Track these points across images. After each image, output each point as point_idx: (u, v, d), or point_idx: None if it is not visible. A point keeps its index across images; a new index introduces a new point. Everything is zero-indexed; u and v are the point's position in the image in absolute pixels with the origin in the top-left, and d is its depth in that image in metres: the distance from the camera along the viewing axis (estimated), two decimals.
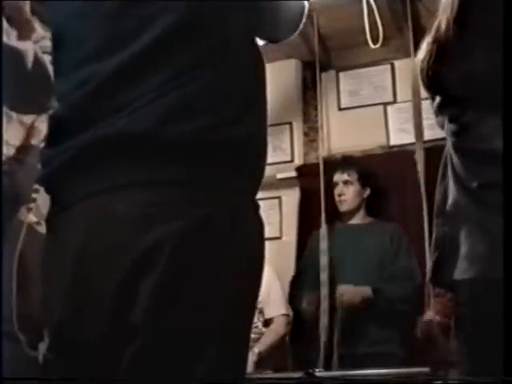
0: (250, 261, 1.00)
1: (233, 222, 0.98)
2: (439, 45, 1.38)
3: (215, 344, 0.94)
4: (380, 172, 3.43)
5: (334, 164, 3.53)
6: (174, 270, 0.92)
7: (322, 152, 3.77)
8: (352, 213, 3.34)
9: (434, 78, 1.40)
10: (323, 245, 3.23)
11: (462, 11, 1.35)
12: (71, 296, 0.98)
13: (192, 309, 0.93)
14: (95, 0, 1.06)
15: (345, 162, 3.48)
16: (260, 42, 1.16)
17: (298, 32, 1.23)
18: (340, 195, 3.33)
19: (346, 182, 3.34)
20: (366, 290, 3.05)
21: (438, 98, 1.45)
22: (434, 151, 2.67)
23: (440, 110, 1.45)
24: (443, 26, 1.37)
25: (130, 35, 1.00)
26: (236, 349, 0.99)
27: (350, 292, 3.06)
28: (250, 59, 1.08)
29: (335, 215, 3.39)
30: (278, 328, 3.30)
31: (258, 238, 1.03)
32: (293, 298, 3.33)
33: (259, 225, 1.04)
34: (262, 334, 3.26)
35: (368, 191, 3.37)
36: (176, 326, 0.93)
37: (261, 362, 3.14)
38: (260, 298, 3.29)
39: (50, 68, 1.31)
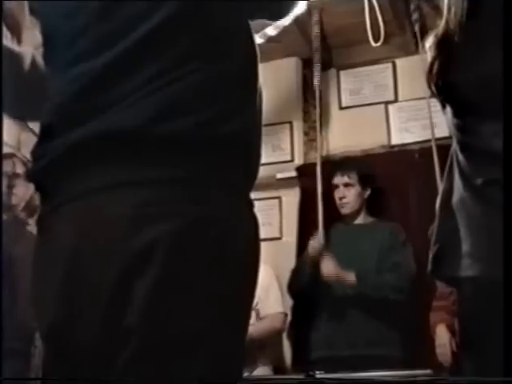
0: (245, 260, 0.98)
1: (227, 221, 0.96)
2: (448, 45, 1.35)
3: (211, 344, 0.92)
4: (381, 172, 3.40)
5: (334, 166, 3.50)
6: (168, 269, 0.90)
7: (322, 152, 3.75)
8: (354, 214, 3.31)
9: (442, 80, 1.37)
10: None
11: (471, 10, 1.33)
12: (64, 298, 0.96)
13: (187, 309, 0.91)
14: (83, 0, 1.04)
15: (344, 163, 3.45)
16: (258, 40, 1.14)
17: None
18: (341, 198, 3.29)
19: (346, 185, 3.30)
20: (349, 274, 3.05)
21: (446, 102, 1.42)
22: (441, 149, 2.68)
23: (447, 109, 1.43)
24: (451, 26, 1.34)
25: (119, 33, 0.99)
26: (232, 349, 0.97)
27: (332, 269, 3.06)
28: (245, 55, 1.06)
29: (336, 216, 3.36)
30: (273, 322, 3.26)
31: (253, 237, 1.01)
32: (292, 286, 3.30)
33: (254, 223, 1.02)
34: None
35: (369, 192, 3.34)
36: (171, 326, 0.91)
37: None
38: (257, 299, 3.27)
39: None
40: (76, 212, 0.96)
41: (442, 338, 2.91)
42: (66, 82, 1.02)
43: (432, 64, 1.39)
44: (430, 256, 1.43)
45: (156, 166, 0.93)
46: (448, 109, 1.42)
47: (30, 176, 1.08)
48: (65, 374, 0.98)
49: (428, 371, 2.36)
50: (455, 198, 1.38)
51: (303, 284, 3.18)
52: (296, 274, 3.28)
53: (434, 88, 1.40)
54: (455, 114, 1.40)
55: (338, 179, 3.33)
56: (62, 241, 0.96)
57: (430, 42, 1.43)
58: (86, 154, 0.95)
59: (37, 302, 1.03)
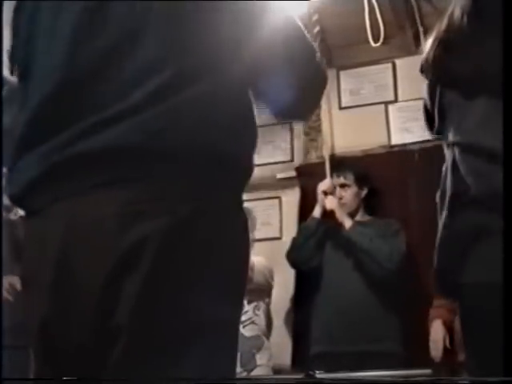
0: (234, 257, 0.99)
1: (217, 219, 0.96)
2: (451, 33, 1.36)
3: (202, 342, 0.92)
4: (381, 172, 3.41)
5: (330, 166, 3.50)
6: (158, 267, 0.91)
7: (323, 152, 3.75)
8: (352, 214, 3.31)
9: (440, 66, 1.38)
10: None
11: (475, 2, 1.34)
12: (54, 296, 0.96)
13: (177, 307, 0.92)
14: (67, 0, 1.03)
15: (340, 164, 3.45)
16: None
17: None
18: (339, 199, 3.30)
19: (343, 186, 3.31)
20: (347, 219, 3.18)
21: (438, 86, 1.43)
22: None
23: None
24: (456, 15, 1.35)
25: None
26: (224, 347, 0.97)
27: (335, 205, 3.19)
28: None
29: (334, 215, 3.36)
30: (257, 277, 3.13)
31: (243, 235, 1.02)
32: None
33: (243, 221, 1.02)
34: (253, 322, 3.21)
35: (365, 191, 3.35)
36: (161, 324, 0.91)
37: None
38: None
39: None
40: (65, 210, 0.96)
41: (437, 333, 2.92)
42: (45, 89, 1.00)
43: (432, 48, 1.40)
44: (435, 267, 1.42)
45: (145, 165, 0.93)
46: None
47: (12, 198, 1.05)
48: (55, 372, 0.98)
49: (428, 371, 2.37)
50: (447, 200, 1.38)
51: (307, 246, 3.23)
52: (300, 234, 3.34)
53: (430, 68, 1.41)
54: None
55: (335, 180, 3.33)
56: (51, 239, 0.96)
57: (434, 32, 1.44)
58: (73, 169, 0.95)
59: (26, 301, 1.03)
